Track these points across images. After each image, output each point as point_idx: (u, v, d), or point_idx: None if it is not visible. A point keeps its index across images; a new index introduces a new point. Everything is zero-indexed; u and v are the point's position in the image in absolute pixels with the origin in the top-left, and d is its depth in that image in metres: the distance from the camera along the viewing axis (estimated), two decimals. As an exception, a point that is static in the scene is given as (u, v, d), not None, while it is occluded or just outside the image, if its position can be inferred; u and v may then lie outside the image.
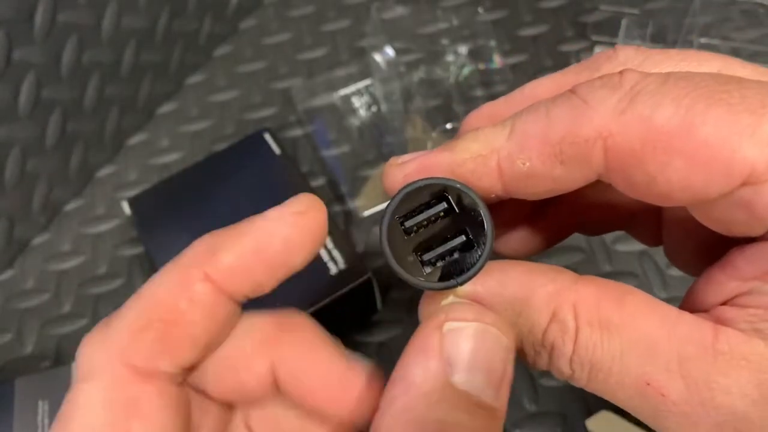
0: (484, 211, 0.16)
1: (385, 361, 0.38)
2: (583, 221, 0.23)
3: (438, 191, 0.16)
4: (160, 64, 0.48)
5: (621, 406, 0.16)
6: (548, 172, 0.16)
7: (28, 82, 0.38)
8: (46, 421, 0.33)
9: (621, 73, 0.16)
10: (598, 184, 0.17)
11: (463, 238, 0.16)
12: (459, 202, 0.16)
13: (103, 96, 0.44)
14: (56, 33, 0.39)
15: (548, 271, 0.17)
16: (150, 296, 0.17)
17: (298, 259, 0.18)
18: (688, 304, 0.18)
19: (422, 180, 0.16)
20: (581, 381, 0.16)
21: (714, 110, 0.14)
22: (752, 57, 0.46)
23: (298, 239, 0.18)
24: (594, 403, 0.36)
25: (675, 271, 0.40)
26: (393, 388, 0.15)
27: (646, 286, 0.40)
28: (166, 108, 0.50)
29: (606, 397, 0.16)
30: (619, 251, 0.41)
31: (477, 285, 0.17)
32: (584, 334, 0.15)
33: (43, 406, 0.34)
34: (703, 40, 0.47)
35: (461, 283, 0.16)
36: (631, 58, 0.18)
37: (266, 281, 0.18)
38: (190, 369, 0.17)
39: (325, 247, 0.36)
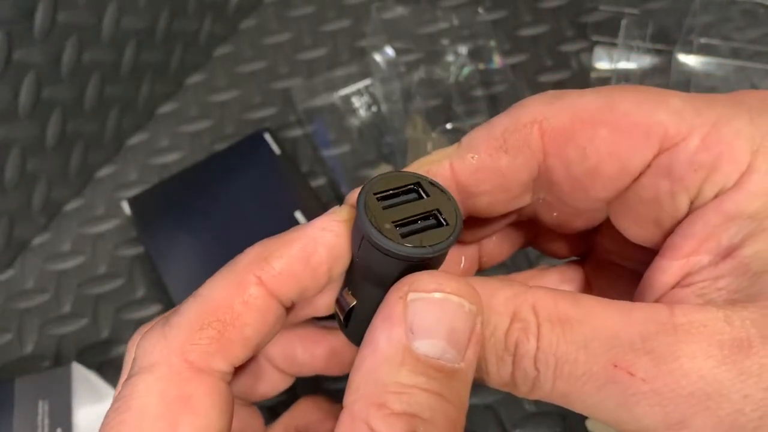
0: (449, 194, 0.18)
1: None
2: (526, 234, 0.26)
3: (410, 183, 0.18)
4: (160, 64, 0.48)
5: (585, 407, 0.16)
6: (495, 163, 0.19)
7: (28, 82, 0.38)
8: (46, 420, 0.33)
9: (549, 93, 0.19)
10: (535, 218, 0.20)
11: (433, 221, 0.18)
12: (428, 190, 0.18)
13: (103, 96, 0.44)
14: (56, 33, 0.39)
15: (503, 280, 0.18)
16: (208, 297, 0.18)
17: (340, 267, 0.19)
18: (639, 300, 0.19)
19: (390, 172, 0.18)
20: (546, 383, 0.16)
21: (630, 93, 0.18)
22: (752, 57, 0.46)
23: (341, 247, 0.19)
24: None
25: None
26: (363, 349, 0.17)
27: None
28: (166, 108, 0.50)
29: (571, 400, 0.16)
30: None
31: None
32: (546, 329, 0.16)
33: (43, 406, 0.34)
34: (703, 40, 0.47)
35: (436, 252, 0.17)
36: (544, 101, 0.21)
37: (311, 286, 0.19)
38: (238, 369, 0.18)
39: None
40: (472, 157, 0.19)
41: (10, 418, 0.33)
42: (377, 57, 0.47)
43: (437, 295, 0.16)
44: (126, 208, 0.42)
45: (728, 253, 0.16)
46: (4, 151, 0.39)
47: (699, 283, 0.17)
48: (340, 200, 0.44)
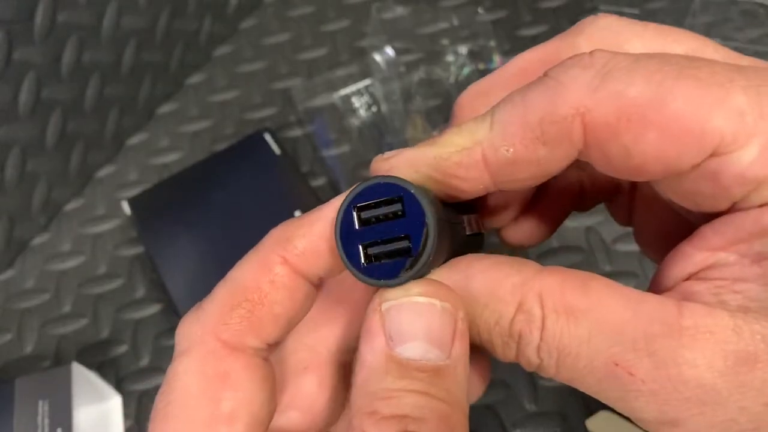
0: (430, 221, 0.17)
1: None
2: (572, 202, 0.24)
3: (394, 196, 0.17)
4: (160, 64, 0.48)
5: (588, 392, 0.16)
6: (532, 156, 0.17)
7: (28, 82, 0.38)
8: (46, 420, 0.33)
9: (591, 53, 0.17)
10: (575, 164, 0.18)
11: (406, 243, 0.17)
12: (410, 206, 0.17)
13: (103, 96, 0.44)
14: (56, 33, 0.39)
15: (513, 263, 0.17)
16: (236, 279, 0.18)
17: None
18: (656, 283, 0.19)
19: (381, 177, 0.17)
20: (550, 369, 0.16)
21: (684, 84, 0.15)
22: (752, 57, 0.46)
23: None
24: (594, 403, 0.36)
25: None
26: (354, 366, 0.17)
27: (646, 286, 0.40)
28: (166, 108, 0.50)
29: (575, 384, 0.16)
30: (619, 251, 0.41)
31: (443, 279, 0.18)
32: (550, 321, 0.16)
33: (43, 406, 0.34)
34: (703, 40, 0.47)
35: (388, 286, 0.17)
36: (610, 25, 0.19)
37: (336, 264, 0.19)
38: (274, 345, 0.19)
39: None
40: (507, 150, 0.17)
41: (11, 417, 0.33)
42: (377, 57, 0.47)
43: (405, 300, 0.17)
44: (126, 208, 0.42)
45: (757, 260, 0.16)
46: (4, 151, 0.39)
47: (717, 281, 0.16)
48: (340, 200, 0.44)
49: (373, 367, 0.16)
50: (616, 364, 0.15)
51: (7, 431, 0.33)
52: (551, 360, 0.16)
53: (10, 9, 0.36)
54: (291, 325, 0.19)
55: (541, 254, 0.41)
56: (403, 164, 0.18)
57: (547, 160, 0.17)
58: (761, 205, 0.16)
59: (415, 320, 0.17)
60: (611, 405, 0.16)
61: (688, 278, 0.17)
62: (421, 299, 0.17)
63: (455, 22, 0.49)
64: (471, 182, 0.18)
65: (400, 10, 0.50)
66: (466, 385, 0.17)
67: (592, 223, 0.42)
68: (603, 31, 0.19)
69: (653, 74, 0.16)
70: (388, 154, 0.19)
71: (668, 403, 0.15)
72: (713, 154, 0.15)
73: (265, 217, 0.37)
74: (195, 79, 0.52)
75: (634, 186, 0.23)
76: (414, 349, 0.16)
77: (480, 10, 0.49)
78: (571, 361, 0.16)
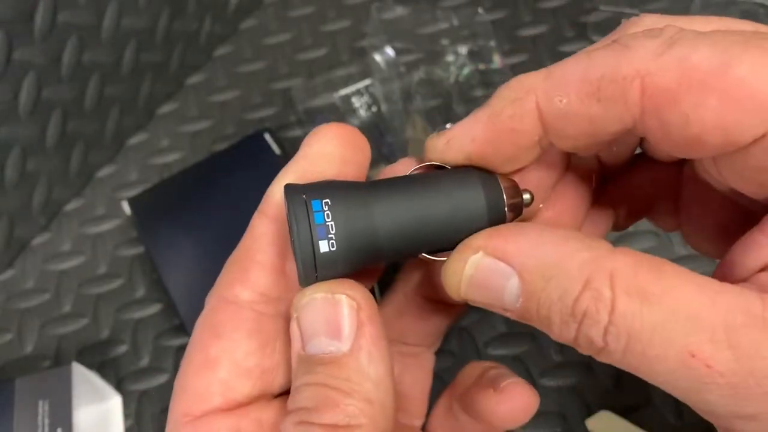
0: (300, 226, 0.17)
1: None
2: (608, 221, 0.24)
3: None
4: (160, 64, 0.48)
5: (654, 381, 0.15)
6: (585, 110, 0.17)
7: (28, 82, 0.39)
8: (47, 420, 0.33)
9: (662, 28, 0.17)
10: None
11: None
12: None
13: (103, 96, 0.44)
14: (56, 33, 0.39)
15: (584, 239, 0.16)
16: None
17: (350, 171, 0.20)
18: (723, 274, 0.18)
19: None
20: (615, 354, 0.15)
21: (750, 52, 0.15)
22: None
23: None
24: (594, 403, 0.36)
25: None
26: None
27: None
28: (166, 108, 0.50)
29: (639, 372, 0.15)
30: (619, 251, 0.41)
31: (509, 243, 0.17)
32: (622, 302, 0.15)
33: (43, 406, 0.34)
34: (702, 41, 0.47)
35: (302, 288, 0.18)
36: (656, 22, 0.19)
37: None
38: (272, 297, 0.20)
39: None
40: (561, 101, 0.17)
41: (11, 417, 0.33)
42: (377, 57, 0.47)
43: (304, 300, 0.18)
44: (126, 208, 0.42)
45: None
46: (4, 151, 0.39)
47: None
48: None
49: (293, 369, 0.18)
50: (693, 355, 0.14)
51: (7, 431, 0.33)
52: (618, 345, 0.15)
53: (10, 9, 0.36)
54: (278, 273, 0.20)
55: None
56: (459, 134, 0.19)
57: (600, 119, 0.17)
58: None
59: (314, 317, 0.18)
60: (678, 396, 0.15)
61: (764, 269, 0.16)
62: (318, 295, 0.18)
63: (455, 22, 0.49)
64: (525, 136, 0.18)
65: (399, 11, 0.50)
66: (375, 371, 0.17)
67: (592, 223, 0.42)
68: (655, 24, 0.19)
69: (719, 42, 0.15)
70: (443, 131, 0.19)
71: (748, 398, 0.14)
72: None
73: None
74: (195, 79, 0.52)
75: (679, 186, 0.23)
76: (317, 344, 0.18)
77: (480, 11, 0.49)
78: (642, 348, 0.15)
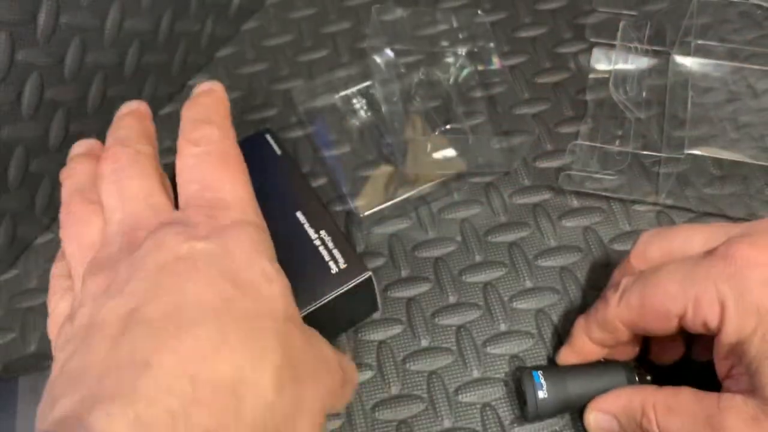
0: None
1: (385, 360, 0.38)
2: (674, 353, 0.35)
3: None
4: (162, 66, 0.49)
5: None
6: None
7: (31, 83, 0.39)
8: (50, 418, 0.33)
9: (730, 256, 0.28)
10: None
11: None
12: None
13: (106, 97, 0.45)
14: (59, 35, 0.39)
15: (640, 391, 0.31)
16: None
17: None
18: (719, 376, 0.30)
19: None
20: None
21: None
22: (749, 58, 0.46)
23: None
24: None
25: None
26: None
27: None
28: (168, 109, 0.51)
29: None
30: (617, 250, 0.41)
31: (612, 407, 0.32)
32: (660, 415, 0.29)
33: (46, 404, 0.34)
34: (700, 42, 0.47)
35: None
36: (650, 239, 0.34)
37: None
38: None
39: (326, 246, 0.36)
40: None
41: (13, 416, 0.34)
42: (377, 58, 0.47)
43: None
44: (128, 208, 0.43)
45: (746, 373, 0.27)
46: (7, 151, 0.40)
47: (735, 377, 0.28)
48: (340, 200, 0.45)
49: None
50: None
51: (10, 430, 0.33)
52: None
53: (13, 11, 0.36)
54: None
55: (539, 254, 0.41)
56: (592, 331, 0.33)
57: (650, 330, 0.31)
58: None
59: None
60: None
61: (725, 376, 0.29)
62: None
63: (455, 23, 0.50)
64: (620, 331, 0.31)
65: (399, 12, 0.50)
66: None
67: (590, 223, 0.42)
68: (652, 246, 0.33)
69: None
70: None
71: None
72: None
73: (266, 218, 0.38)
74: (197, 80, 0.52)
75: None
76: None
77: (479, 12, 0.49)
78: None
